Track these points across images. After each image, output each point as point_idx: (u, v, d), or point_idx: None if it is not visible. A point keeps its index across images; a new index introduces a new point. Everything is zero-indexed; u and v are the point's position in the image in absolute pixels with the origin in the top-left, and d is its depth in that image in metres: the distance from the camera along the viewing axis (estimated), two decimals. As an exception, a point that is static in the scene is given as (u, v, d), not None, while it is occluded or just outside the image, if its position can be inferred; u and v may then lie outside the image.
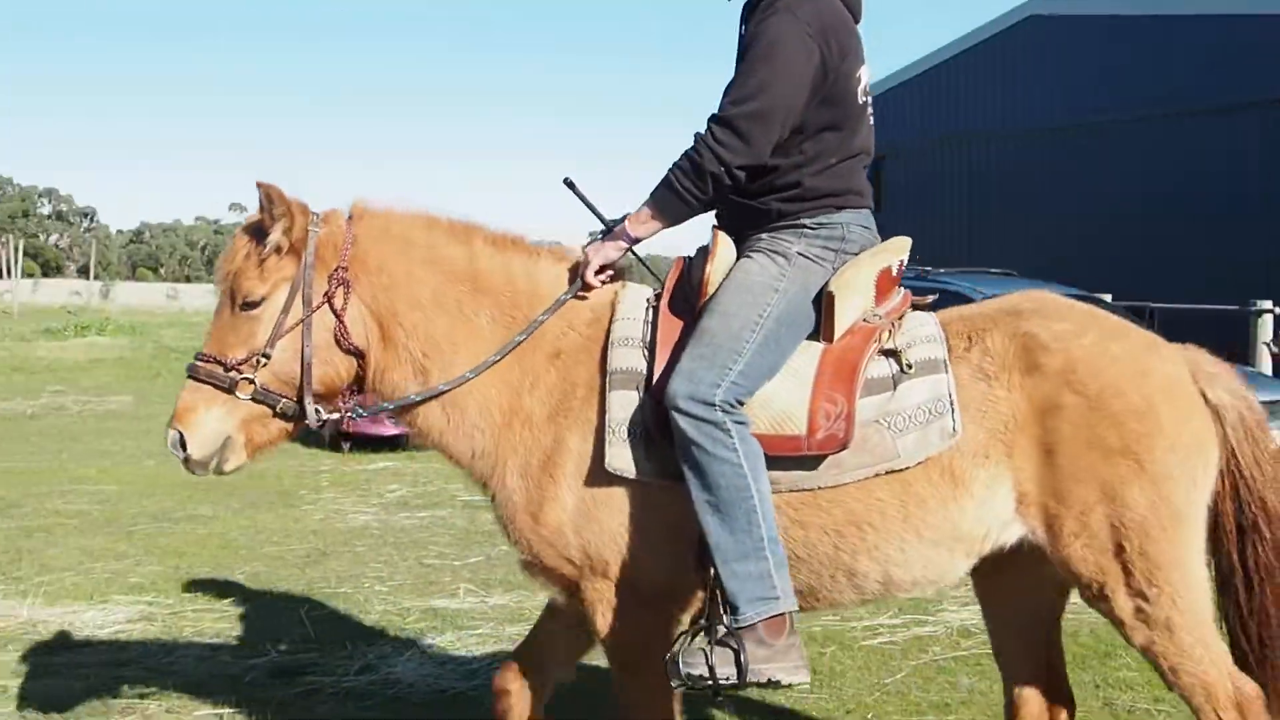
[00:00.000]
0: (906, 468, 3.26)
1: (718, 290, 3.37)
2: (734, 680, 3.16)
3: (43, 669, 5.19)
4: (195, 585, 6.54)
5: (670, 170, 3.38)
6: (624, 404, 3.30)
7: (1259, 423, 3.42)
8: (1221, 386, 3.40)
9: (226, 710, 4.71)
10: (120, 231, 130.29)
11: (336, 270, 3.40)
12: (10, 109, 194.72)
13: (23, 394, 16.18)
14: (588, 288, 3.50)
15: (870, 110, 3.59)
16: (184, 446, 3.35)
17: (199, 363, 3.40)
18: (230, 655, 5.34)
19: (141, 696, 4.82)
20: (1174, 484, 3.26)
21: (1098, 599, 3.33)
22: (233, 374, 3.35)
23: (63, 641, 5.59)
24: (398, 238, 3.50)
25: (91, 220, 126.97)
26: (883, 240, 3.57)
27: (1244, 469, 3.38)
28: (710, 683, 3.17)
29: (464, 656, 5.42)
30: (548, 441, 3.36)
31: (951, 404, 3.27)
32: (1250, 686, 3.32)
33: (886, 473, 3.27)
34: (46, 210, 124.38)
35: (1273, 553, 3.42)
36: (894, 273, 3.49)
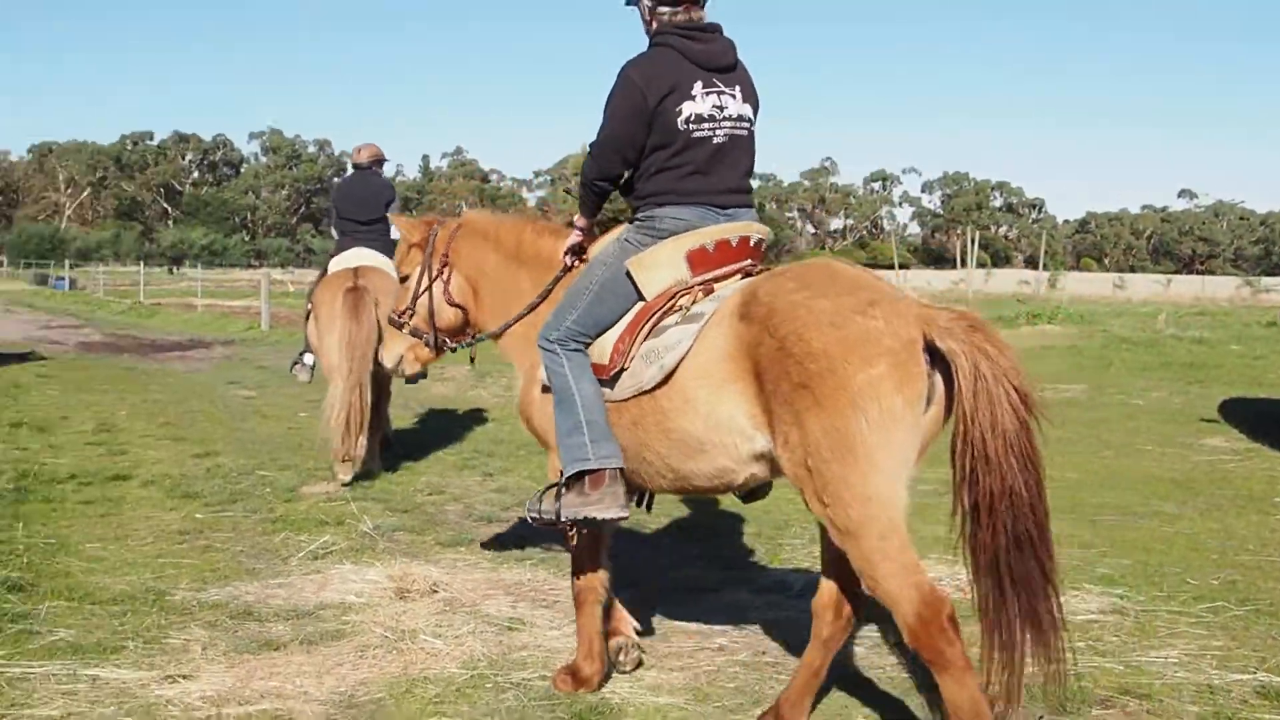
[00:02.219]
0: (651, 388, 4.37)
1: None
2: (553, 517, 4.57)
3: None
4: (1167, 585, 6.36)
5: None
6: None
7: (1006, 371, 3.71)
8: (955, 339, 3.73)
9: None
10: (1066, 221, 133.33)
11: (442, 257, 5.45)
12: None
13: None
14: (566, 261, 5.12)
15: (713, 133, 4.59)
16: (381, 360, 5.95)
17: (391, 313, 5.69)
18: (1213, 666, 5.09)
19: (1123, 692, 4.83)
20: (844, 418, 3.72)
21: (806, 504, 3.96)
22: (399, 319, 5.61)
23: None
24: (480, 235, 5.41)
25: (1039, 211, 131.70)
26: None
27: (968, 414, 3.71)
28: (538, 519, 4.64)
29: None
30: (532, 358, 4.91)
31: (679, 346, 4.28)
32: (942, 605, 3.66)
33: (644, 391, 4.39)
34: (998, 203, 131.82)
35: (984, 500, 3.72)
36: (711, 249, 4.55)
